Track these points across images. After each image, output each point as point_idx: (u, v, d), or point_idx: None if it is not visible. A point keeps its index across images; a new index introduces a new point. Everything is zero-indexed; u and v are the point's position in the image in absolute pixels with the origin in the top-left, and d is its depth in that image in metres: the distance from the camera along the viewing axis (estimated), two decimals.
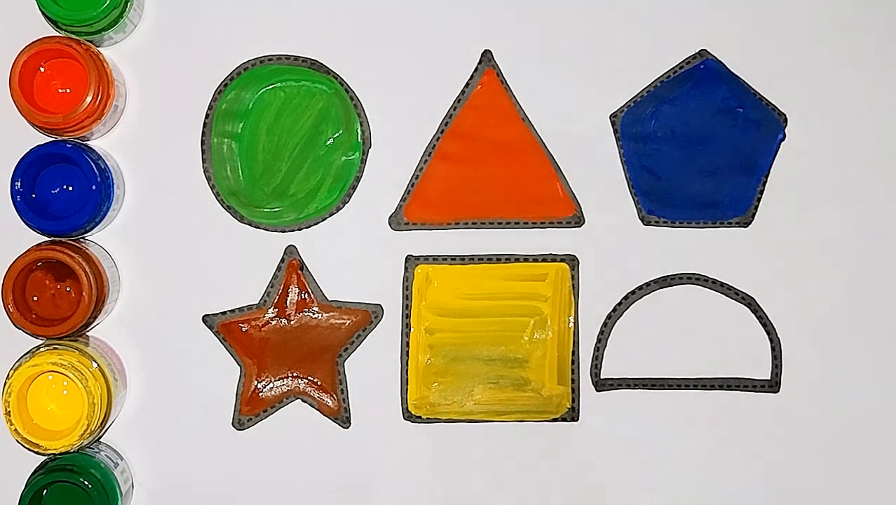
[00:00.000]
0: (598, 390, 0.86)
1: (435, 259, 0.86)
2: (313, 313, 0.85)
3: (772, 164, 0.86)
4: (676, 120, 0.86)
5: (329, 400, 0.85)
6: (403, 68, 0.85)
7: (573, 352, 0.85)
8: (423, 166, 0.85)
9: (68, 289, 0.82)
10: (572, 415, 0.85)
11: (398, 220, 0.85)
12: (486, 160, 0.85)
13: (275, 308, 0.85)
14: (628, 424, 0.86)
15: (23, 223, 0.81)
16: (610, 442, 0.85)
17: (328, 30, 0.85)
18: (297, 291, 0.85)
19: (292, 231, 0.85)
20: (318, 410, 0.85)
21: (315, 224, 0.85)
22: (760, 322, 0.86)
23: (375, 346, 0.85)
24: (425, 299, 0.85)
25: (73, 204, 0.82)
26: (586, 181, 0.86)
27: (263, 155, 0.85)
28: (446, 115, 0.85)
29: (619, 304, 0.86)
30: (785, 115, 0.86)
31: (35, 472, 0.81)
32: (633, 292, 0.86)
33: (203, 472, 0.85)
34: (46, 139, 0.82)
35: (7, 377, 0.79)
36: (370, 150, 0.85)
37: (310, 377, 0.85)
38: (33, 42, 0.80)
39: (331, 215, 0.85)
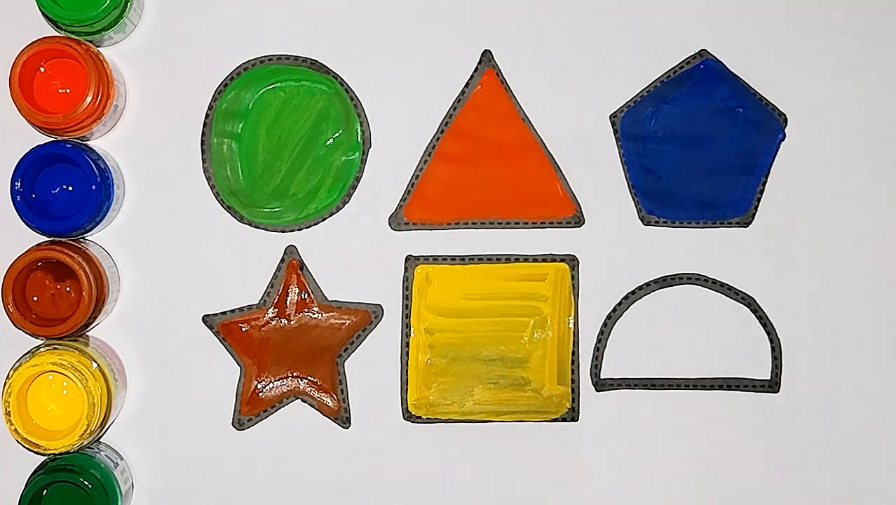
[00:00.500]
0: (598, 390, 0.86)
1: (435, 259, 0.86)
2: (313, 313, 0.85)
3: (772, 164, 0.86)
4: (676, 120, 0.86)
5: (329, 400, 0.85)
6: (403, 68, 0.85)
7: (573, 352, 0.85)
8: (423, 166, 0.85)
9: (68, 289, 0.82)
10: (572, 415, 0.85)
11: (398, 220, 0.85)
12: (486, 160, 0.85)
13: (275, 308, 0.85)
14: (628, 424, 0.86)
15: (23, 223, 0.81)
16: (610, 442, 0.85)
17: (328, 30, 0.85)
18: (297, 290, 0.85)
19: (292, 231, 0.85)
20: (318, 410, 0.85)
21: (315, 224, 0.85)
22: (760, 322, 0.86)
23: (375, 346, 0.85)
24: (425, 299, 0.85)
25: (73, 204, 0.82)
26: (586, 181, 0.86)
27: (263, 155, 0.85)
28: (446, 115, 0.85)
29: (619, 304, 0.86)
30: (785, 115, 0.86)
31: (35, 472, 0.81)
32: (633, 292, 0.86)
33: (203, 472, 0.85)
34: (46, 139, 0.82)
35: (7, 377, 0.79)
36: (370, 150, 0.85)
37: (310, 377, 0.85)
38: (33, 42, 0.80)
39: (331, 215, 0.85)
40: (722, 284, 0.86)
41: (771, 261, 0.86)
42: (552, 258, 0.86)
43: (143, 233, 0.85)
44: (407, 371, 0.85)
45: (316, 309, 0.85)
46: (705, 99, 0.86)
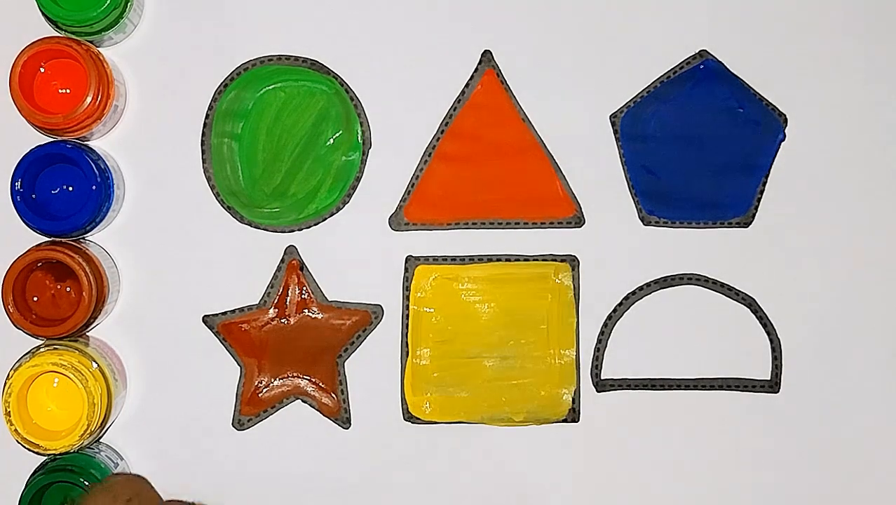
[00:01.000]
0: (598, 391, 0.86)
1: (435, 259, 0.86)
2: (313, 313, 0.85)
3: (772, 164, 0.86)
4: (677, 120, 0.86)
5: (329, 400, 0.85)
6: (403, 68, 0.85)
7: (574, 352, 0.85)
8: (423, 166, 0.85)
9: (68, 289, 0.82)
10: (572, 415, 0.85)
11: (398, 221, 0.85)
12: (486, 160, 0.85)
13: (275, 308, 0.85)
14: (628, 424, 0.86)
15: (23, 223, 0.81)
16: (610, 442, 0.85)
17: (328, 30, 0.85)
18: (297, 291, 0.85)
19: (292, 231, 0.85)
20: (318, 410, 0.85)
21: (315, 224, 0.85)
22: (760, 322, 0.86)
23: (375, 346, 0.85)
24: (425, 299, 0.85)
25: (73, 204, 0.82)
26: (586, 181, 0.86)
27: (263, 155, 0.85)
28: (446, 115, 0.85)
29: (620, 304, 0.86)
30: (785, 116, 0.86)
31: (35, 472, 0.81)
32: (633, 293, 0.86)
33: (203, 472, 0.85)
34: (46, 139, 0.82)
35: (7, 377, 0.79)
36: (370, 150, 0.85)
37: (310, 377, 0.85)
38: (33, 42, 0.80)
39: (331, 215, 0.85)
40: (722, 285, 0.86)
41: (771, 261, 0.86)
42: (552, 258, 0.86)
43: (143, 233, 0.85)
44: (407, 371, 0.85)
45: (316, 309, 0.85)
46: (705, 99, 0.86)
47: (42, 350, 0.80)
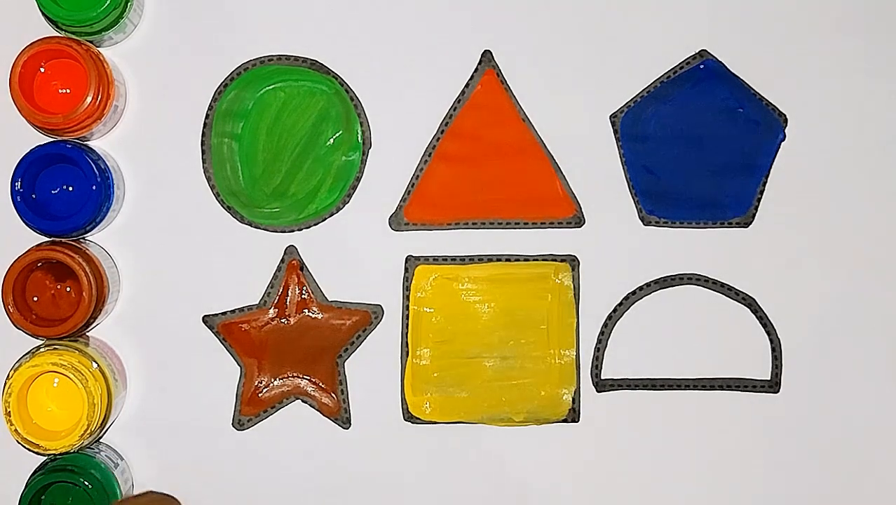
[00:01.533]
0: (598, 391, 0.86)
1: (435, 259, 0.85)
2: (313, 313, 0.85)
3: (772, 164, 0.86)
4: (676, 120, 0.86)
5: (329, 400, 0.85)
6: (403, 68, 0.85)
7: (574, 352, 0.85)
8: (423, 166, 0.85)
9: (68, 289, 0.82)
10: (573, 415, 0.85)
11: (398, 221, 0.85)
12: (486, 160, 0.85)
13: (275, 308, 0.85)
14: (628, 424, 0.86)
15: (23, 223, 0.81)
16: (610, 442, 0.85)
17: (328, 30, 0.85)
18: (297, 291, 0.85)
19: (292, 231, 0.85)
20: (318, 410, 0.85)
21: (315, 224, 0.85)
22: (760, 322, 0.86)
23: (375, 346, 0.85)
24: (425, 300, 0.85)
25: (73, 204, 0.82)
26: (586, 181, 0.86)
27: (263, 155, 0.85)
28: (446, 115, 0.85)
29: (620, 304, 0.86)
30: (785, 116, 0.86)
31: (35, 472, 0.81)
32: (633, 293, 0.86)
33: (203, 472, 0.85)
34: (46, 139, 0.82)
35: (7, 377, 0.79)
36: (370, 150, 0.85)
37: (310, 377, 0.85)
38: (33, 42, 0.80)
39: (331, 215, 0.85)
40: (722, 285, 0.86)
41: (771, 261, 0.86)
42: (552, 258, 0.86)
43: (143, 233, 0.85)
44: (407, 371, 0.85)
45: (316, 309, 0.85)
46: (705, 99, 0.86)
47: (42, 350, 0.80)
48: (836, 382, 0.86)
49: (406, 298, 0.85)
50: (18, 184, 0.80)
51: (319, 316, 0.85)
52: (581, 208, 0.86)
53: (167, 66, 0.85)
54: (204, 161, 0.85)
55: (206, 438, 0.85)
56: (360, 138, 0.85)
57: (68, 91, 0.82)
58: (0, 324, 0.81)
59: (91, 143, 0.83)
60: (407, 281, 0.85)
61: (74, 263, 0.79)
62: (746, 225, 0.86)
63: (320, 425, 0.85)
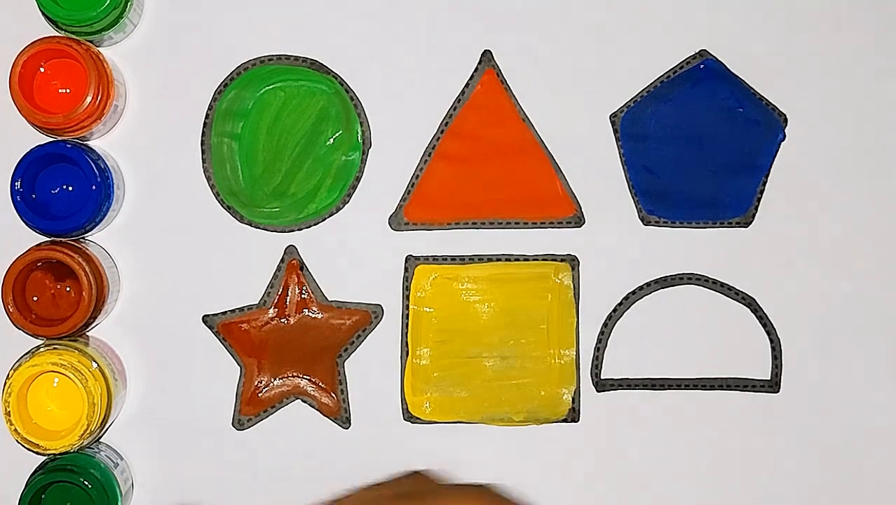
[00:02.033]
0: (598, 391, 0.86)
1: (435, 259, 0.86)
2: (313, 313, 0.85)
3: (772, 164, 0.86)
4: (676, 120, 0.86)
5: (329, 400, 0.85)
6: (403, 68, 0.85)
7: (573, 352, 0.85)
8: (423, 166, 0.85)
9: (68, 289, 0.82)
10: (572, 415, 0.85)
11: (398, 220, 0.85)
12: (486, 160, 0.85)
13: (275, 308, 0.85)
14: (628, 424, 0.86)
15: (23, 223, 0.81)
16: (610, 442, 0.85)
17: (328, 30, 0.85)
18: (297, 290, 0.85)
19: (292, 231, 0.85)
20: (318, 410, 0.85)
21: (315, 224, 0.85)
22: (760, 322, 0.86)
23: (375, 346, 0.85)
24: (425, 299, 0.85)
25: (73, 204, 0.82)
26: (586, 181, 0.86)
27: (263, 155, 0.85)
28: (446, 115, 0.85)
29: (620, 304, 0.85)
30: (785, 115, 0.86)
31: (35, 472, 0.81)
32: (633, 292, 0.86)
33: (203, 472, 0.85)
34: (46, 139, 0.82)
35: (7, 377, 0.79)
36: (370, 150, 0.85)
37: (310, 377, 0.85)
38: (33, 42, 0.80)
39: (331, 215, 0.85)
40: (722, 285, 0.86)
41: (771, 261, 0.86)
42: (552, 258, 0.86)
43: (143, 233, 0.85)
44: (407, 371, 0.85)
45: (316, 309, 0.85)
46: (705, 99, 0.86)
47: (42, 350, 0.80)
48: (836, 382, 0.86)
49: (406, 297, 0.85)
50: (18, 184, 0.80)
51: (319, 316, 0.85)
52: (581, 208, 0.86)
53: (167, 66, 0.85)
54: (204, 161, 0.85)
55: (206, 438, 0.85)
56: (360, 138, 0.85)
57: (68, 91, 0.82)
58: (0, 324, 0.81)
59: (91, 143, 0.83)
60: (407, 281, 0.85)
61: (74, 263, 0.79)
62: (746, 225, 0.86)
63: (320, 425, 0.85)
